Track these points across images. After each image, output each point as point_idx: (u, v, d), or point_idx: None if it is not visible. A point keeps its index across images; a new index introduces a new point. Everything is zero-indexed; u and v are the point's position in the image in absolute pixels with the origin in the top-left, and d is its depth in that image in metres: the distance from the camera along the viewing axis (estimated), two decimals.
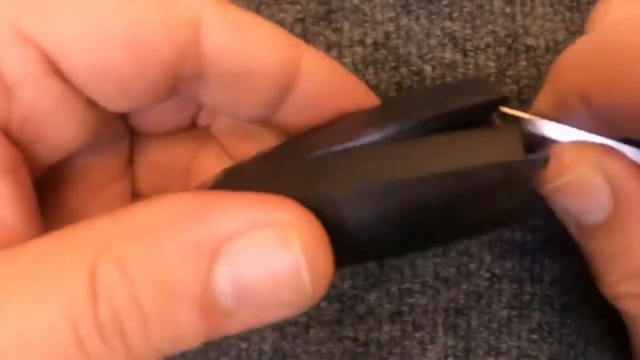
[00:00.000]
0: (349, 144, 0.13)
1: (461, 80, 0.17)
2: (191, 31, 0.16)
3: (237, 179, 0.16)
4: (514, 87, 0.25)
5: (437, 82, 0.25)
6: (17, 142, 0.16)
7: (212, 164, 0.21)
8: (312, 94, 0.17)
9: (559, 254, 0.25)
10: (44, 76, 0.15)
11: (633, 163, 0.16)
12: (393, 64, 0.25)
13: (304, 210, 0.12)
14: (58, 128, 0.16)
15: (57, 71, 0.15)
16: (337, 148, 0.13)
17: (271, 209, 0.12)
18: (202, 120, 0.21)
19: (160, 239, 0.12)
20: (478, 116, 0.15)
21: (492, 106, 0.15)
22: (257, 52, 0.16)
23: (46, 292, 0.12)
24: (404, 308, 0.25)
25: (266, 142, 0.20)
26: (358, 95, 0.17)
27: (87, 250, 0.12)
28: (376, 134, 0.13)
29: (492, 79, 0.25)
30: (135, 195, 0.21)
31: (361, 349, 0.25)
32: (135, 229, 0.12)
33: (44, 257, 0.12)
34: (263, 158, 0.18)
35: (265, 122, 0.18)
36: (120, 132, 0.20)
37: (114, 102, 0.16)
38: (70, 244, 0.13)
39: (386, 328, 0.25)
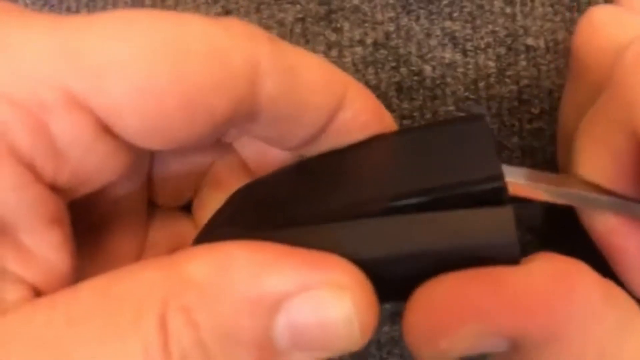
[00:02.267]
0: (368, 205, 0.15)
1: (460, 126, 0.18)
2: (247, 86, 0.15)
3: (262, 210, 0.17)
4: (514, 87, 0.25)
5: (437, 82, 0.25)
6: (61, 191, 0.15)
7: (229, 175, 0.21)
8: (345, 126, 0.17)
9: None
10: (93, 137, 0.15)
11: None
12: (393, 64, 0.25)
13: (355, 270, 0.14)
14: (102, 173, 0.16)
15: (106, 129, 0.15)
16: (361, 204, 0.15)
17: (328, 269, 0.14)
18: (228, 138, 0.20)
19: (223, 292, 0.13)
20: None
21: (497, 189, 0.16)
22: (308, 96, 0.16)
23: (120, 336, 0.13)
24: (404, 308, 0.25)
25: (286, 157, 0.20)
26: (384, 127, 0.18)
27: (156, 298, 0.13)
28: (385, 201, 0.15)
29: (492, 79, 0.25)
30: (150, 204, 0.21)
31: (361, 349, 0.25)
32: (199, 280, 0.13)
33: (111, 301, 0.13)
34: (283, 182, 0.18)
35: (297, 151, 0.19)
36: (146, 153, 0.19)
37: (159, 148, 0.16)
38: (139, 290, 0.14)
39: (386, 328, 0.25)
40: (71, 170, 0.15)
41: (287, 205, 0.17)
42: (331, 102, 0.17)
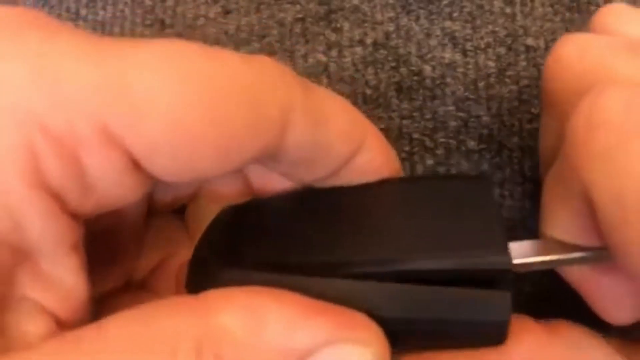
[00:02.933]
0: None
1: (462, 188, 0.19)
2: (279, 131, 0.16)
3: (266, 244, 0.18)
4: (514, 87, 0.25)
5: (437, 82, 0.25)
6: (81, 218, 0.16)
7: (228, 188, 0.21)
8: (357, 170, 0.18)
9: None
10: (123, 172, 0.15)
11: None
12: (393, 64, 0.25)
13: (377, 328, 0.15)
14: (123, 201, 0.16)
15: (136, 164, 0.15)
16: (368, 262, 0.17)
17: (354, 327, 0.15)
18: None
19: (256, 344, 0.14)
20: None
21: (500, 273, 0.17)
22: (330, 144, 0.17)
23: None
24: None
25: (292, 184, 0.20)
26: (393, 170, 0.19)
27: (190, 345, 0.14)
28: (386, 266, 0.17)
29: (492, 79, 0.25)
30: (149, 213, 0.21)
31: None
32: (234, 332, 0.14)
33: (141, 345, 0.14)
34: (286, 211, 0.19)
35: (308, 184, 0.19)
36: None
37: (184, 181, 0.16)
38: (170, 334, 0.14)
39: None
40: (96, 201, 0.15)
41: (293, 243, 0.18)
42: (352, 148, 0.18)
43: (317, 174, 0.18)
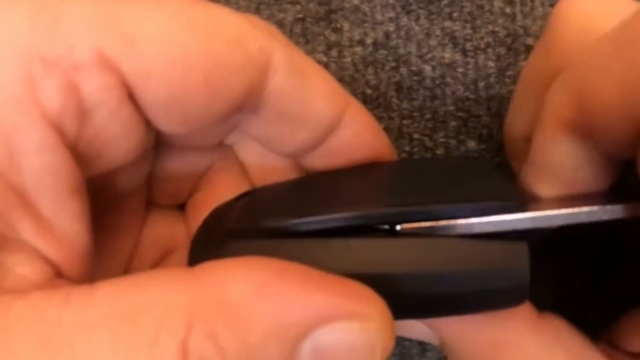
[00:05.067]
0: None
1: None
2: (261, 72, 0.16)
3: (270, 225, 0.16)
4: (514, 87, 0.25)
5: (437, 82, 0.25)
6: (80, 159, 0.16)
7: (226, 179, 0.21)
8: (345, 144, 0.18)
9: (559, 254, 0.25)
10: (119, 101, 0.15)
11: None
12: (393, 64, 0.25)
13: (380, 301, 0.14)
14: (118, 148, 0.16)
15: (131, 96, 0.16)
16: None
17: (355, 301, 0.13)
18: (230, 140, 0.21)
19: (250, 321, 0.13)
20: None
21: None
22: (312, 99, 0.17)
23: (132, 356, 0.12)
24: None
25: (286, 166, 0.20)
26: (382, 150, 0.19)
27: (179, 320, 0.12)
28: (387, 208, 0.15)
29: (492, 79, 0.25)
30: (148, 202, 0.21)
31: None
32: (224, 305, 0.13)
33: (128, 314, 0.13)
34: (285, 191, 0.19)
35: (294, 158, 0.19)
36: (152, 143, 0.19)
37: (174, 128, 0.17)
38: (161, 306, 0.13)
39: None
40: (92, 134, 0.15)
41: (291, 209, 0.16)
42: (333, 110, 0.18)
43: (300, 138, 0.18)
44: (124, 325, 0.12)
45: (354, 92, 0.25)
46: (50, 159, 0.14)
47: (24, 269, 0.14)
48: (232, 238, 0.16)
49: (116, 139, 0.16)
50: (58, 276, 0.15)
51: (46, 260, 0.15)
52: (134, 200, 0.20)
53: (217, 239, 0.16)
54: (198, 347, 0.12)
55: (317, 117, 0.18)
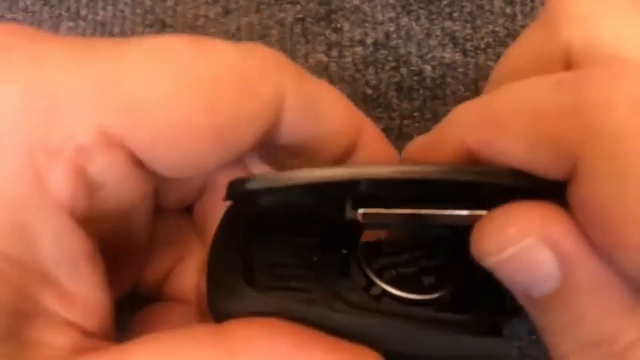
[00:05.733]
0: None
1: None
2: (274, 117, 0.16)
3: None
4: None
5: (437, 82, 0.25)
6: (91, 225, 0.16)
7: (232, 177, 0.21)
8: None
9: None
10: (127, 172, 0.15)
11: (573, 220, 0.15)
12: (393, 64, 0.25)
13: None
14: (127, 201, 0.16)
15: (139, 163, 0.15)
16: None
17: None
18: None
19: None
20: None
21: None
22: (326, 128, 0.17)
23: None
24: None
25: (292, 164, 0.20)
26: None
27: None
28: None
29: None
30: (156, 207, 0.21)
31: None
32: None
33: None
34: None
35: None
36: None
37: (186, 176, 0.17)
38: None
39: None
40: (102, 201, 0.15)
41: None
42: (347, 138, 0.18)
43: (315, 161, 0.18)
44: None
45: (354, 92, 0.25)
46: (66, 239, 0.15)
47: (55, 338, 0.15)
48: (251, 283, 0.17)
49: (127, 197, 0.16)
50: (85, 337, 0.16)
51: (73, 325, 0.15)
52: (143, 209, 0.20)
53: (236, 281, 0.17)
54: None
55: (331, 148, 0.18)
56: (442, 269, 0.18)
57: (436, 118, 0.25)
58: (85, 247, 0.15)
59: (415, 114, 0.25)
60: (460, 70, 0.25)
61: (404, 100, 0.25)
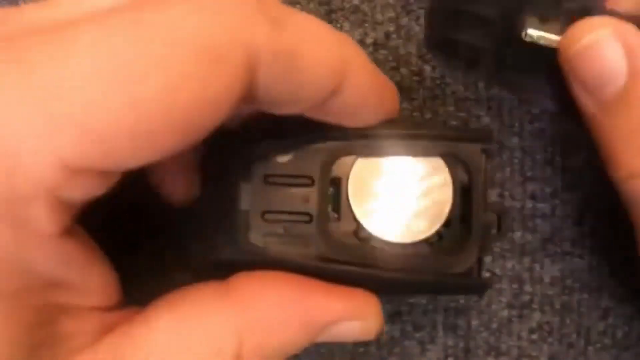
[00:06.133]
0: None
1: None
2: (247, 81, 0.14)
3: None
4: None
5: (437, 82, 0.25)
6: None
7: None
8: (345, 107, 0.17)
9: (559, 254, 0.25)
10: (101, 181, 0.15)
11: None
12: (393, 64, 0.25)
13: (375, 302, 0.18)
14: (113, 184, 0.16)
15: (107, 173, 0.15)
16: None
17: (358, 306, 0.18)
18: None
19: (284, 327, 0.17)
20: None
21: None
22: (306, 78, 0.16)
23: None
24: (404, 308, 0.25)
25: None
26: (389, 109, 0.19)
27: (232, 340, 0.16)
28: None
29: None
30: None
31: (361, 349, 0.25)
32: (264, 321, 0.17)
33: (189, 342, 0.16)
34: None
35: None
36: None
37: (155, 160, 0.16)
38: (214, 331, 0.16)
39: (386, 328, 0.25)
40: (87, 201, 0.15)
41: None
42: (333, 81, 0.16)
43: (299, 109, 0.17)
44: (186, 354, 0.16)
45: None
46: (64, 258, 0.15)
47: (83, 326, 0.16)
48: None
49: (108, 185, 0.15)
50: (107, 313, 0.17)
51: (94, 309, 0.17)
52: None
53: (233, 232, 0.19)
54: (247, 356, 0.16)
55: (316, 92, 0.16)
56: (429, 212, 0.20)
57: (436, 118, 0.25)
58: (90, 255, 0.16)
59: (415, 113, 0.25)
60: (461, 70, 0.25)
61: (404, 101, 0.25)
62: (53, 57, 0.13)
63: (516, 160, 0.25)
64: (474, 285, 0.20)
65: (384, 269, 0.19)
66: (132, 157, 0.14)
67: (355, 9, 0.26)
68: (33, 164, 0.13)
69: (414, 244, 0.19)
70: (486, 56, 0.21)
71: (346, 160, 0.19)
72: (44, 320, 0.15)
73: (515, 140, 0.25)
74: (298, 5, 0.26)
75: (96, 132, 0.13)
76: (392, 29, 0.25)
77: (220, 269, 0.18)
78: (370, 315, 0.18)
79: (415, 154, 0.19)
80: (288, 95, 0.16)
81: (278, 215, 0.19)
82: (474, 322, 0.25)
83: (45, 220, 0.14)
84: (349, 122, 0.18)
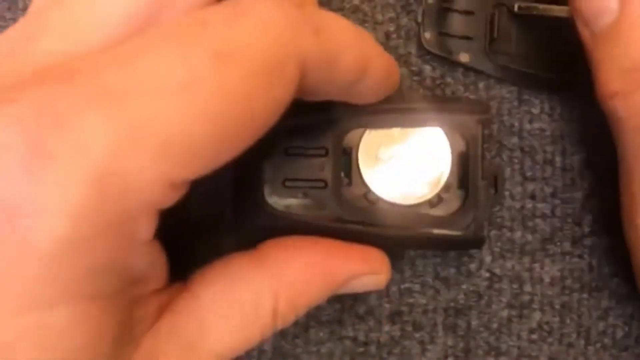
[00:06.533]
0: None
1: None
2: (297, 87, 0.16)
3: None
4: (514, 87, 0.25)
5: (437, 82, 0.25)
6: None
7: None
8: (365, 90, 0.20)
9: (559, 254, 0.25)
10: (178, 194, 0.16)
11: None
12: None
13: (385, 259, 0.21)
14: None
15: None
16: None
17: (372, 263, 0.21)
18: None
19: (310, 286, 0.20)
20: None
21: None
22: (340, 74, 0.18)
23: (244, 326, 0.19)
24: (404, 308, 0.25)
25: None
26: (395, 86, 0.21)
27: (268, 299, 0.19)
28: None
29: (492, 79, 0.25)
30: None
31: (361, 349, 0.25)
32: (294, 282, 0.20)
33: (234, 305, 0.19)
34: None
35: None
36: None
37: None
38: (253, 293, 0.19)
39: (386, 328, 0.25)
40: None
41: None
42: (357, 76, 0.19)
43: (328, 97, 0.19)
44: (232, 313, 0.19)
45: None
46: (153, 260, 0.17)
47: (147, 310, 0.18)
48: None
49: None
50: (160, 292, 0.18)
51: (157, 291, 0.18)
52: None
53: (257, 199, 0.22)
54: (282, 310, 0.19)
55: (341, 85, 0.18)
56: (430, 177, 0.22)
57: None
58: (157, 244, 0.17)
59: None
60: (460, 70, 0.25)
61: None
62: (141, 88, 0.14)
63: (516, 160, 0.25)
64: (471, 239, 0.22)
65: (391, 227, 0.21)
66: (217, 162, 0.16)
67: (355, 9, 0.25)
68: (143, 186, 0.14)
69: (417, 205, 0.22)
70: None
71: (356, 132, 0.22)
72: (126, 315, 0.17)
73: (515, 140, 0.25)
74: None
75: (193, 149, 0.15)
76: (392, 29, 0.25)
77: (251, 233, 0.21)
78: (381, 270, 0.21)
79: (417, 125, 0.22)
80: (323, 88, 0.18)
81: (297, 182, 0.21)
82: (474, 322, 0.25)
83: (146, 230, 0.16)
84: (364, 100, 0.20)
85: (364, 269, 0.21)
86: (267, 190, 0.21)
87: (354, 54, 0.18)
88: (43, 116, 0.14)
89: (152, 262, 0.17)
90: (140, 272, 0.17)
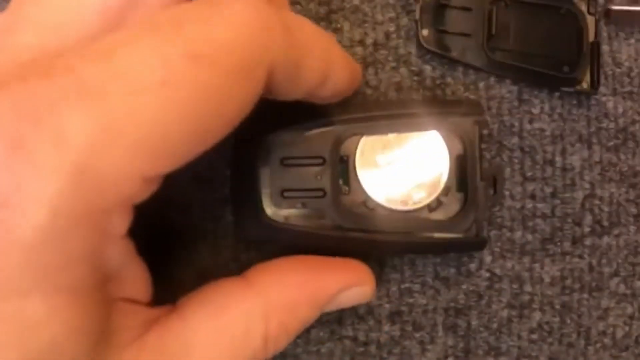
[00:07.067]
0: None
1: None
2: (263, 88, 0.17)
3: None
4: (514, 87, 0.25)
5: (437, 82, 0.25)
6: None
7: None
8: (329, 92, 0.20)
9: (559, 254, 0.25)
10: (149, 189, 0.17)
11: None
12: (393, 64, 0.25)
13: (369, 272, 0.22)
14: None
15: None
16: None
17: (357, 275, 0.21)
18: None
19: (299, 305, 0.20)
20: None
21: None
22: (305, 75, 0.18)
23: (233, 355, 0.19)
24: (404, 308, 0.25)
25: None
26: (356, 85, 0.22)
27: (258, 324, 0.19)
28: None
29: (491, 79, 0.25)
30: None
31: (361, 349, 0.25)
32: (283, 303, 0.20)
33: (222, 331, 0.19)
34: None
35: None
36: None
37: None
38: (243, 320, 0.19)
39: (386, 328, 0.25)
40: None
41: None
42: (321, 79, 0.19)
43: (295, 97, 0.19)
44: (221, 341, 0.19)
45: (354, 92, 0.25)
46: (127, 259, 0.18)
47: (130, 320, 0.18)
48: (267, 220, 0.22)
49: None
50: (146, 307, 0.19)
51: (137, 304, 0.18)
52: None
53: (254, 211, 0.22)
54: (273, 333, 0.19)
55: (305, 86, 0.19)
56: (428, 181, 0.22)
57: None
58: (132, 246, 0.18)
59: None
60: (460, 70, 0.25)
61: None
62: (118, 85, 0.15)
63: (516, 160, 0.25)
64: (473, 242, 0.22)
65: (391, 233, 0.22)
66: (188, 157, 0.16)
67: (355, 9, 0.26)
68: (119, 180, 0.15)
69: (417, 210, 0.22)
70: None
71: (353, 139, 0.22)
72: (104, 314, 0.17)
73: (515, 140, 0.25)
74: (298, 6, 0.26)
75: (168, 145, 0.15)
76: (392, 29, 0.25)
77: (250, 243, 0.22)
78: (366, 281, 0.21)
79: (413, 130, 0.22)
80: (288, 87, 0.18)
81: (295, 192, 0.21)
82: (474, 322, 0.25)
83: (121, 224, 0.16)
84: (326, 100, 0.21)
85: (350, 280, 0.21)
86: (265, 202, 0.21)
87: (319, 56, 0.18)
88: (22, 112, 0.14)
89: (126, 261, 0.17)
90: (114, 268, 0.17)
